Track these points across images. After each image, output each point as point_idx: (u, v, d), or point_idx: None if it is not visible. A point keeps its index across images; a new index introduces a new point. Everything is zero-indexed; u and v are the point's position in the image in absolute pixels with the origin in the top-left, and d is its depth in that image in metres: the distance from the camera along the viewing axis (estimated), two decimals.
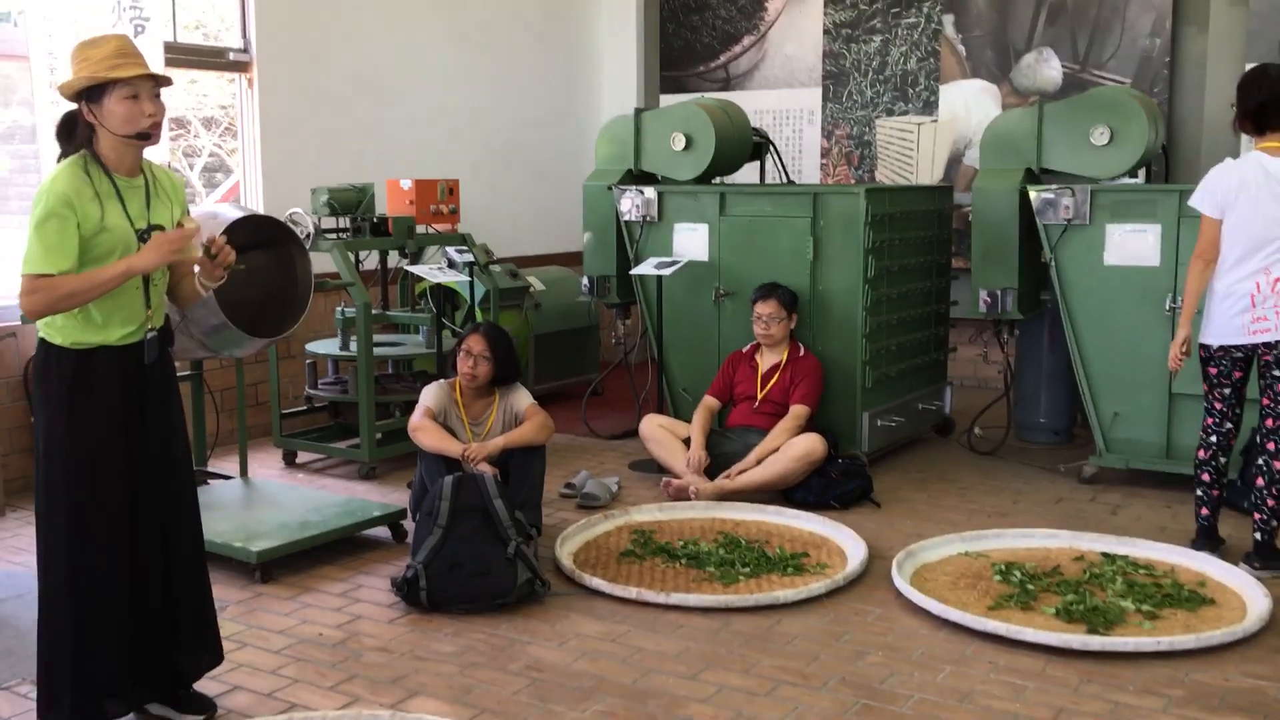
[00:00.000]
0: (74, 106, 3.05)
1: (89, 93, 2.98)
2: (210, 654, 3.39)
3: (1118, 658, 3.67)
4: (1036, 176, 5.97)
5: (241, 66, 6.63)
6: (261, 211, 5.58)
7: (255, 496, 5.16)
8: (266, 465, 6.15)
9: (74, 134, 3.04)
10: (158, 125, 3.05)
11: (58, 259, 2.92)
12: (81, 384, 3.02)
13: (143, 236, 3.04)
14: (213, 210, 4.80)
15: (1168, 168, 6.70)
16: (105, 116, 2.97)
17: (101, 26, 6.04)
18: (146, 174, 3.13)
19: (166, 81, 3.09)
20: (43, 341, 3.06)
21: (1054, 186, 5.61)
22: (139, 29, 6.31)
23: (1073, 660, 3.65)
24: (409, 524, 4.82)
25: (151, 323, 3.14)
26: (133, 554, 3.14)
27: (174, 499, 3.24)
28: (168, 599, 3.23)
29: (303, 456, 6.27)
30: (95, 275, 2.95)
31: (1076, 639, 3.70)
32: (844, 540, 4.74)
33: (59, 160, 3.06)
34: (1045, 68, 7.78)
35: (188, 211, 3.25)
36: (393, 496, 5.45)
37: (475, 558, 4.10)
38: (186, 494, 3.30)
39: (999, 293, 5.93)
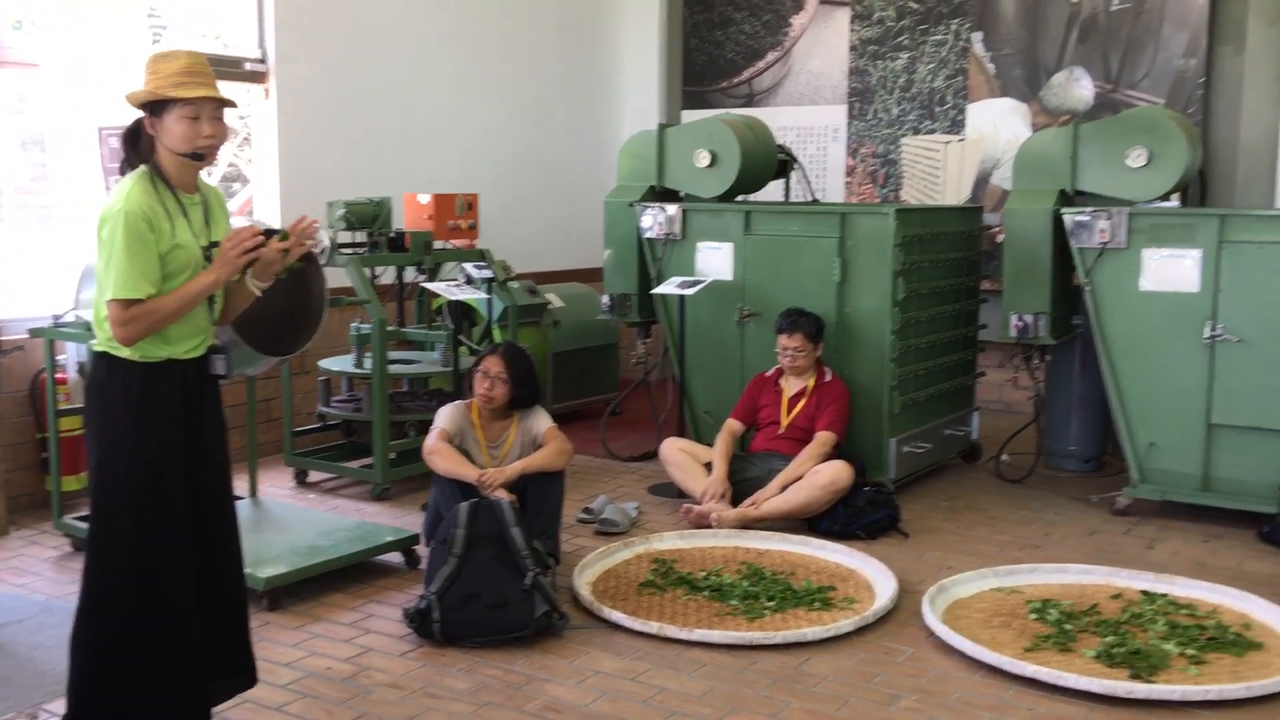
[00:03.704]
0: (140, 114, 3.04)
1: (152, 106, 2.98)
2: (245, 677, 3.30)
3: (1163, 705, 3.50)
4: (1070, 198, 5.81)
5: (258, 77, 6.52)
6: (277, 225, 5.45)
7: (264, 518, 5.03)
8: (277, 484, 6.02)
9: (139, 144, 3.04)
10: (214, 147, 3.03)
11: (149, 283, 2.92)
12: (150, 397, 2.99)
13: (207, 254, 3.05)
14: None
15: (1204, 191, 6.54)
16: (164, 133, 2.98)
17: (118, 35, 5.95)
18: (203, 191, 3.14)
19: (230, 103, 3.06)
20: (105, 355, 3.01)
21: (1089, 209, 5.46)
22: (156, 37, 6.21)
23: (1117, 708, 3.49)
24: (423, 550, 4.68)
25: (212, 336, 3.14)
26: (202, 570, 3.09)
27: (228, 514, 3.22)
28: (221, 617, 3.17)
29: (314, 476, 6.14)
30: (185, 293, 2.96)
31: (1121, 686, 3.53)
32: (872, 573, 4.59)
33: (122, 169, 3.05)
34: (1076, 87, 7.62)
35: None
36: (406, 519, 5.31)
37: (491, 588, 3.96)
38: (233, 510, 3.28)
39: (1031, 317, 5.78)
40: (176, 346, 3.03)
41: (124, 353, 2.98)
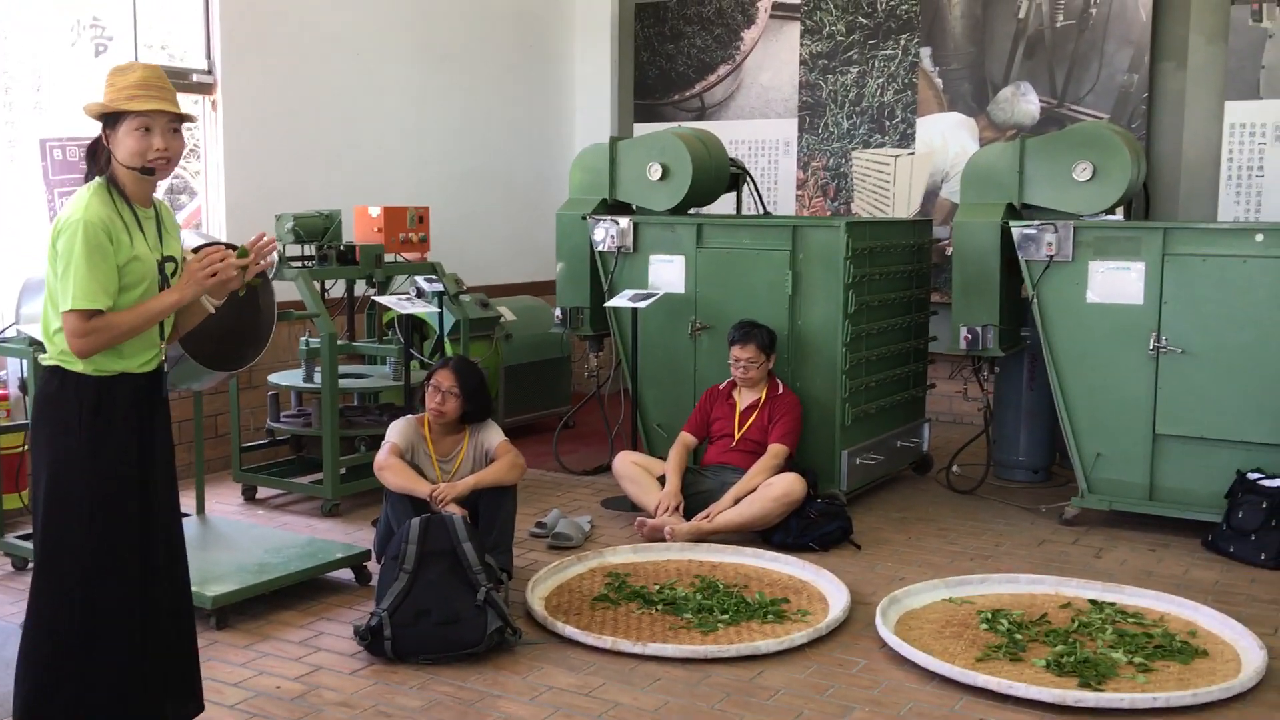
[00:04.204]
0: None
1: (108, 118, 2.95)
2: (195, 702, 3.24)
3: (1112, 713, 3.53)
4: (1018, 212, 5.89)
5: (206, 88, 6.45)
6: (224, 239, 5.39)
7: (211, 536, 4.95)
8: (225, 501, 5.94)
9: (98, 156, 3.01)
10: (168, 161, 2.99)
11: (107, 295, 2.87)
12: (103, 411, 2.93)
13: (160, 267, 3.00)
14: None
15: (1148, 205, 6.65)
16: (117, 145, 2.95)
17: (60, 46, 5.86)
18: (157, 205, 3.10)
19: (188, 118, 3.03)
20: (57, 369, 2.95)
21: (1036, 222, 5.53)
22: (101, 48, 6.12)
23: (1067, 717, 3.52)
24: (374, 566, 4.63)
25: (163, 352, 3.09)
26: (147, 586, 3.03)
27: (176, 533, 3.17)
28: (168, 639, 3.11)
29: (263, 492, 6.06)
30: (148, 309, 2.93)
31: (1071, 695, 3.56)
32: (825, 585, 4.60)
33: (87, 179, 3.01)
34: (1023, 102, 7.73)
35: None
36: (356, 535, 5.25)
37: (443, 604, 3.92)
38: (181, 528, 3.22)
39: (979, 329, 5.83)
40: (131, 360, 2.98)
41: (77, 366, 2.92)
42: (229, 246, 3.05)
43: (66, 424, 2.93)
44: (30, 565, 4.85)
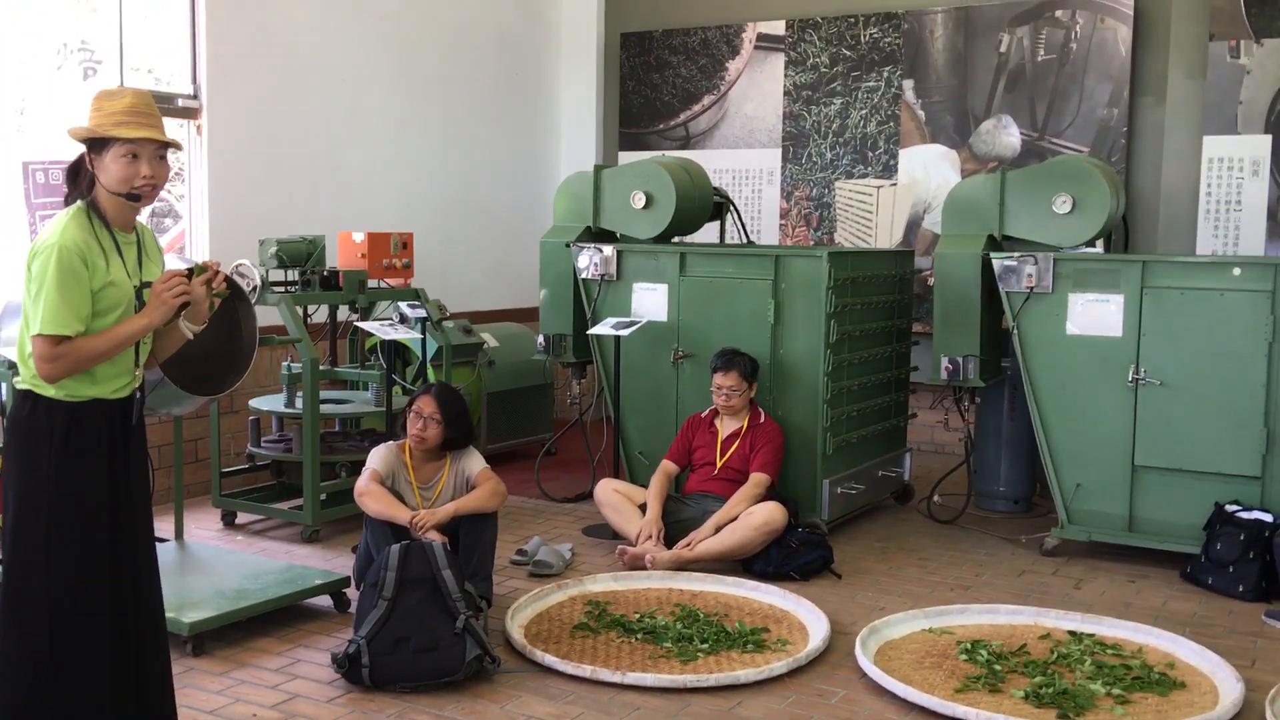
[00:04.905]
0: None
1: (93, 143, 2.94)
2: None
3: None
4: (999, 243, 5.93)
5: (191, 113, 6.45)
6: (197, 260, 5.38)
7: (190, 561, 4.91)
8: (204, 526, 5.90)
9: (79, 179, 3.00)
10: (154, 188, 2.99)
11: (78, 320, 2.86)
12: (74, 436, 2.92)
13: (139, 293, 2.99)
14: None
15: (1127, 238, 6.71)
16: (102, 171, 2.94)
17: (45, 69, 5.86)
18: (139, 231, 3.09)
19: (175, 145, 3.03)
20: (29, 393, 2.94)
21: (1016, 254, 5.57)
22: (90, 72, 6.13)
23: None
24: (352, 593, 4.60)
25: (137, 379, 3.06)
26: (116, 616, 3.00)
27: (149, 557, 3.14)
28: (140, 664, 3.08)
29: (242, 517, 6.03)
30: (116, 334, 2.91)
31: None
32: (805, 615, 4.60)
33: (67, 202, 3.01)
34: (1004, 134, 7.80)
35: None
36: (336, 562, 5.23)
37: (422, 632, 3.91)
38: (154, 553, 3.20)
39: (960, 359, 5.86)
40: (104, 386, 2.96)
41: (49, 391, 2.91)
42: (189, 272, 3.03)
43: (36, 449, 2.91)
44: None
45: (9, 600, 2.95)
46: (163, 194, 6.74)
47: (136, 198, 2.95)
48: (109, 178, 2.92)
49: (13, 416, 2.98)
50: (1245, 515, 5.11)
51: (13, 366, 4.44)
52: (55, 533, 2.90)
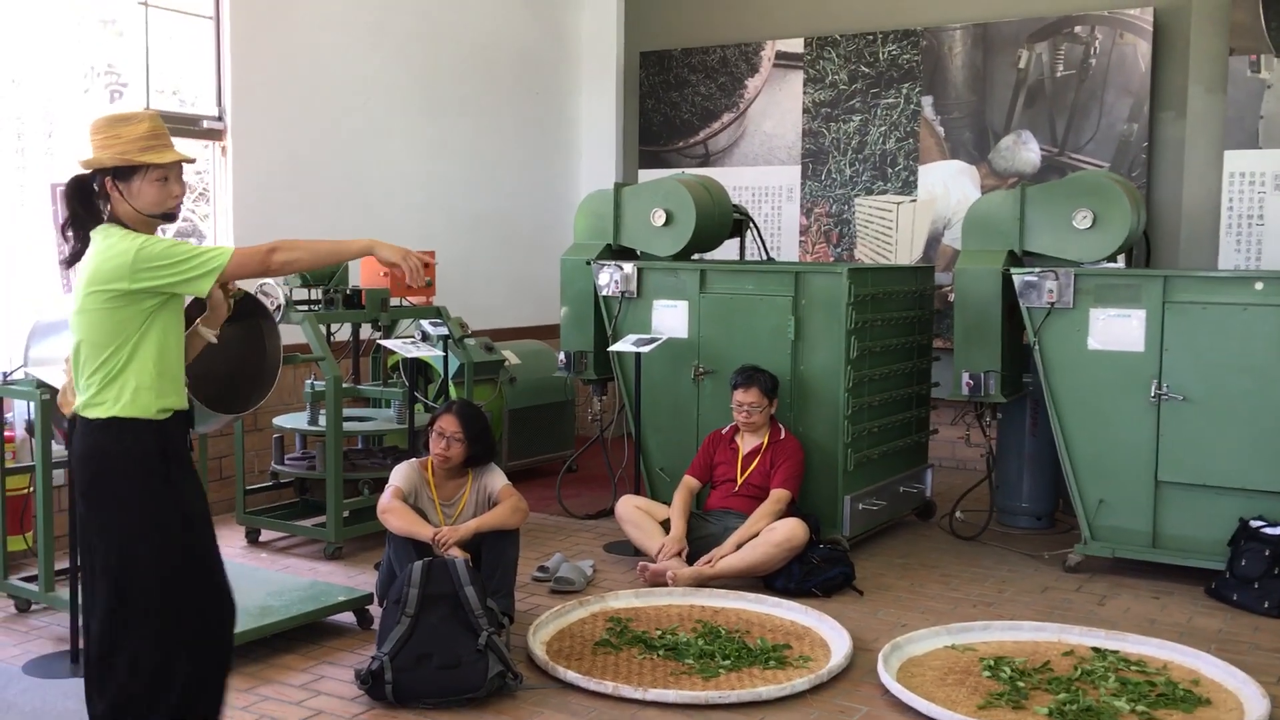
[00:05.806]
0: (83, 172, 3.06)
1: (117, 171, 2.98)
2: None
3: None
4: (1019, 259, 5.93)
5: (216, 134, 6.53)
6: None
7: None
8: (228, 543, 5.93)
9: (92, 203, 3.04)
10: (181, 204, 3.10)
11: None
12: (173, 453, 3.00)
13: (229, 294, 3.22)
14: None
15: (1148, 253, 6.69)
16: (133, 196, 3.00)
17: (73, 92, 5.94)
18: None
19: (190, 160, 3.12)
20: (114, 420, 2.95)
21: (1037, 269, 5.56)
22: (116, 95, 6.21)
23: None
24: (375, 610, 4.63)
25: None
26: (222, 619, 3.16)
27: (224, 572, 3.25)
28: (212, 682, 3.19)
29: (266, 535, 6.07)
30: (338, 244, 3.17)
31: None
32: (827, 631, 4.59)
33: (69, 225, 3.05)
34: (1023, 150, 7.80)
35: None
36: (359, 579, 5.26)
37: (445, 649, 3.92)
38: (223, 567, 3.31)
39: (981, 375, 5.86)
40: (175, 399, 3.04)
41: (131, 412, 2.94)
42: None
43: (138, 475, 2.95)
44: (33, 606, 4.87)
45: (113, 633, 2.99)
46: (187, 214, 6.82)
47: (173, 217, 3.06)
48: (143, 202, 2.99)
49: (96, 448, 2.97)
50: (1270, 531, 5.08)
51: (44, 386, 4.51)
52: (175, 549, 3.00)
